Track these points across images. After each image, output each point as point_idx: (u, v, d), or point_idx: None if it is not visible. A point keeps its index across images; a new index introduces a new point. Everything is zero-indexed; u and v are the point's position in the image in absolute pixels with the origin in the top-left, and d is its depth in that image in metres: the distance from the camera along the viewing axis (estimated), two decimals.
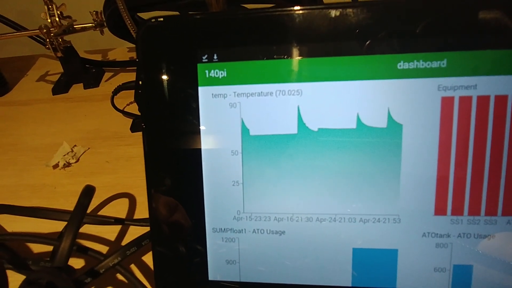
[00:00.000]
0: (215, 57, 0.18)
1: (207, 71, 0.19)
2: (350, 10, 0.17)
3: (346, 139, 0.18)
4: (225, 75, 0.18)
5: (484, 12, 0.17)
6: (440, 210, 0.18)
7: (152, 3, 0.44)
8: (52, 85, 0.50)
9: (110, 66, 0.53)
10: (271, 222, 0.19)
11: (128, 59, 0.55)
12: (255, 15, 0.18)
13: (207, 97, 0.19)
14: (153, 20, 0.18)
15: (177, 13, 0.49)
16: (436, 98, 0.17)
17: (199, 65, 0.19)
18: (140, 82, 0.19)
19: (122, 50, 0.59)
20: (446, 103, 0.17)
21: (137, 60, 0.19)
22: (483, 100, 0.17)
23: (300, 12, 0.17)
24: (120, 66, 0.53)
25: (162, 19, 0.18)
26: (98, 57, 0.56)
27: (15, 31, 0.50)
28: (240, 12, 0.18)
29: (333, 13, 0.17)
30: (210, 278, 0.20)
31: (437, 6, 0.17)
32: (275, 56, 0.18)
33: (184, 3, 0.45)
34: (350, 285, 0.19)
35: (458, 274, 0.18)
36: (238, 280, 0.20)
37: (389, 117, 0.18)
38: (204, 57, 0.18)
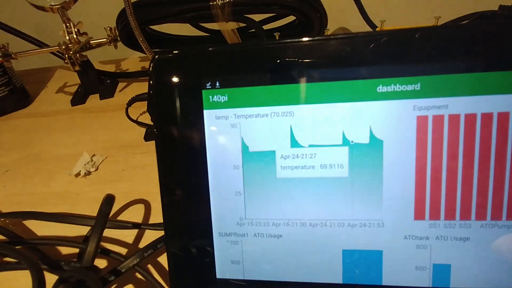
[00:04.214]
0: (218, 84, 0.21)
1: (210, 96, 0.21)
2: (335, 41, 0.20)
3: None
4: (226, 100, 0.21)
5: (453, 40, 0.19)
6: (419, 215, 0.20)
7: (162, 16, 0.47)
8: (71, 97, 0.53)
9: (124, 77, 0.56)
10: (269, 227, 0.22)
11: (140, 69, 0.58)
12: (250, 48, 0.20)
13: (211, 118, 0.21)
14: (163, 53, 0.21)
15: (187, 24, 0.52)
16: (412, 117, 0.19)
17: (203, 91, 0.21)
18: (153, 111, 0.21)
19: (134, 59, 0.62)
20: (421, 121, 0.19)
21: (150, 85, 0.22)
22: (454, 118, 0.19)
23: (290, 44, 0.20)
24: (133, 76, 0.56)
25: (176, 51, 0.21)
26: (112, 68, 0.59)
27: (36, 47, 0.54)
28: (238, 46, 0.20)
29: (320, 44, 0.20)
30: (218, 276, 0.23)
31: (410, 37, 0.19)
32: (269, 83, 0.20)
33: (192, 15, 0.48)
34: (341, 282, 0.22)
35: (437, 272, 0.21)
36: (242, 278, 0.23)
37: (371, 134, 0.20)
38: (208, 84, 0.21)
